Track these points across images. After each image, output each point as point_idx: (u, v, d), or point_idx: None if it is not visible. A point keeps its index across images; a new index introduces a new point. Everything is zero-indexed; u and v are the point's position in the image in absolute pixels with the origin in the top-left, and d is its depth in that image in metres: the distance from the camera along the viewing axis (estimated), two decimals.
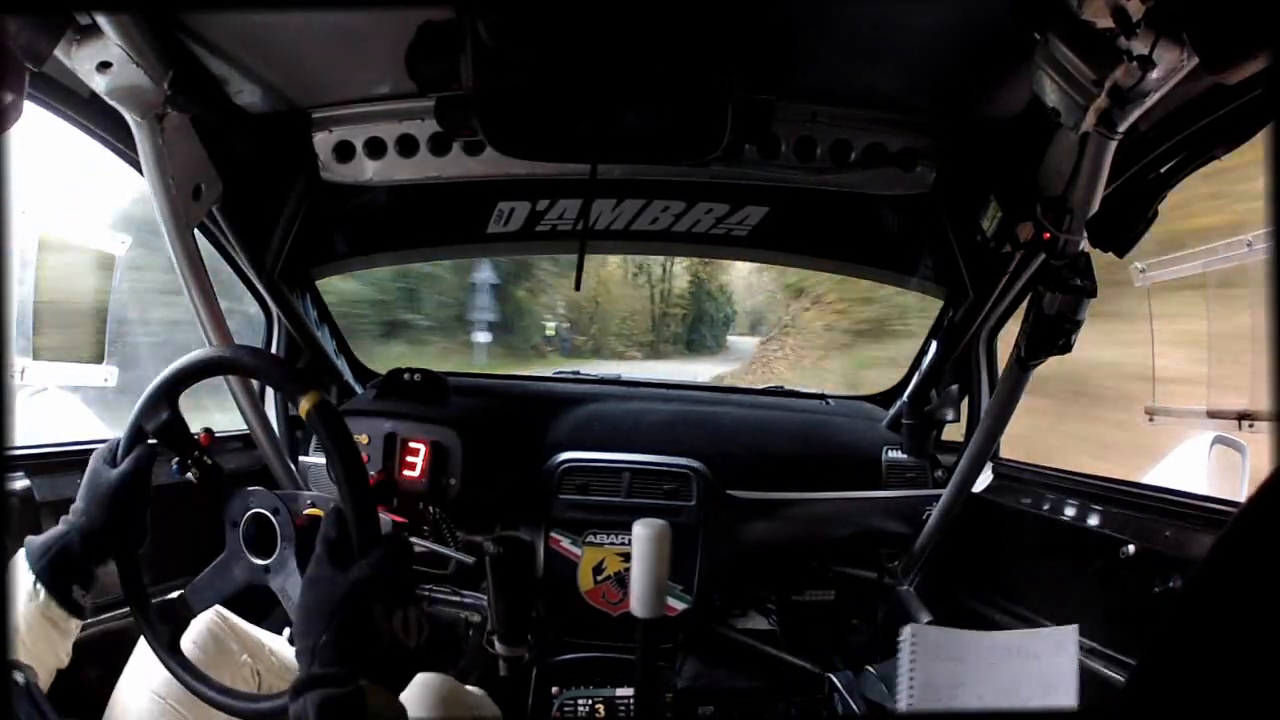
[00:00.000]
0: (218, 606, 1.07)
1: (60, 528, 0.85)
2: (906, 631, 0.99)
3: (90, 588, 0.85)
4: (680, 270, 9.75)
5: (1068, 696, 0.96)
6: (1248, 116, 0.93)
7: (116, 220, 1.56)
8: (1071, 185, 1.08)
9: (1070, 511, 1.31)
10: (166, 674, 0.89)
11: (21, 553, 0.83)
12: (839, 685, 1.47)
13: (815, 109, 1.31)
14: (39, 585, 0.81)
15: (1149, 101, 0.92)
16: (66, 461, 1.13)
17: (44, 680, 0.80)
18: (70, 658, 0.83)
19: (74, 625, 0.84)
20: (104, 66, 1.06)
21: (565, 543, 1.48)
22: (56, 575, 0.82)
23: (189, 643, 1.00)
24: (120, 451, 0.88)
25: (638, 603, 0.90)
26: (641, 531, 0.89)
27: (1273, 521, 0.33)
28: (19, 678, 0.73)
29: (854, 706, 1.43)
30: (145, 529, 0.89)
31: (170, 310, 1.50)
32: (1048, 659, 0.98)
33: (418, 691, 1.05)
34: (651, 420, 1.68)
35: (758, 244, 1.63)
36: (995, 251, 1.31)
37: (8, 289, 1.13)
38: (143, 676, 0.96)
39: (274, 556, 0.90)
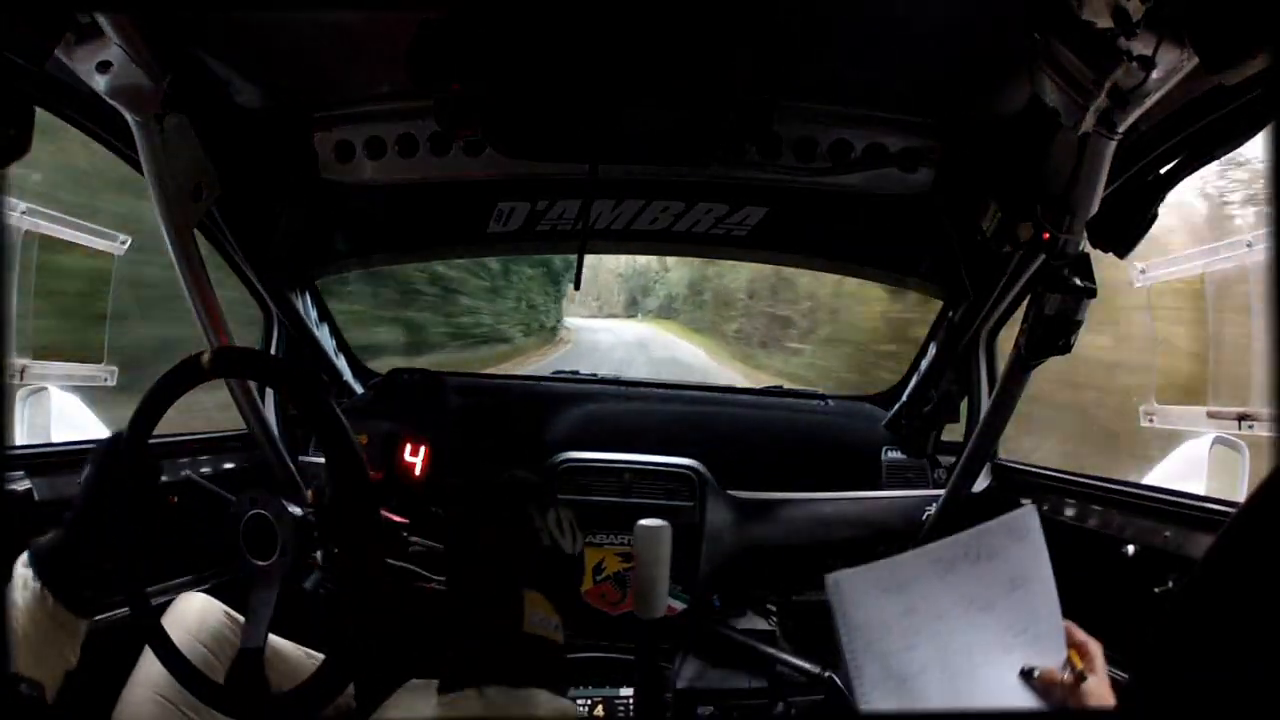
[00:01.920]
0: (225, 609, 1.07)
1: (63, 529, 0.84)
2: (829, 581, 0.86)
3: (98, 587, 0.85)
4: None
5: (1042, 583, 0.86)
6: (1248, 116, 0.93)
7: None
8: (1071, 185, 1.08)
9: (1069, 512, 1.31)
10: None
11: (24, 556, 0.82)
12: (839, 685, 1.47)
13: (815, 109, 1.31)
14: (46, 588, 0.80)
15: (1149, 102, 0.92)
16: (66, 461, 1.13)
17: (54, 684, 0.80)
18: (78, 659, 0.83)
19: (82, 626, 0.83)
20: (104, 66, 1.05)
21: None
22: (63, 576, 0.82)
23: (200, 646, 1.00)
24: (125, 449, 0.88)
25: (640, 603, 0.90)
26: (644, 532, 0.89)
27: (1272, 521, 0.33)
28: (24, 689, 0.73)
29: (854, 706, 1.43)
30: (148, 534, 0.89)
31: None
32: (1005, 552, 0.86)
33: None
34: (651, 420, 1.68)
35: (758, 244, 1.63)
36: (995, 251, 1.31)
37: (8, 289, 1.13)
38: (151, 678, 0.96)
39: (275, 556, 0.90)
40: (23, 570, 0.81)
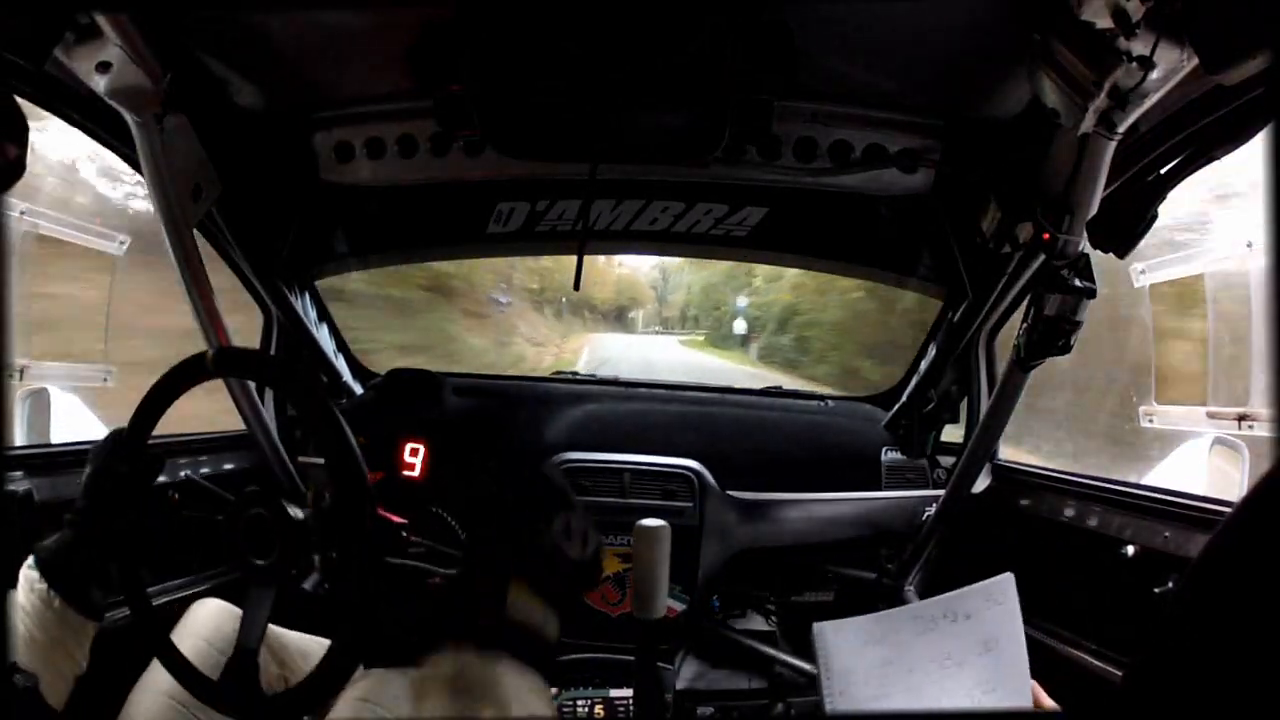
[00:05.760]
0: (239, 613, 1.06)
1: (67, 530, 0.84)
2: (815, 629, 0.93)
3: (104, 587, 0.84)
4: None
5: (1013, 646, 0.90)
6: (1248, 117, 0.93)
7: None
8: (1071, 185, 1.08)
9: (1069, 512, 1.31)
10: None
11: (29, 560, 0.82)
12: None
13: (815, 109, 1.31)
14: (53, 591, 0.80)
15: (1149, 102, 0.92)
16: (66, 461, 1.13)
17: (65, 687, 0.79)
18: (89, 662, 0.83)
19: (91, 628, 0.83)
20: (104, 66, 1.05)
21: None
22: (69, 578, 0.81)
23: (215, 652, 0.99)
24: (125, 444, 0.87)
25: (639, 604, 0.90)
26: (643, 532, 0.89)
27: (1270, 520, 0.33)
28: (19, 680, 0.73)
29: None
30: (150, 531, 0.89)
31: None
32: (981, 615, 0.91)
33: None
34: (651, 421, 1.68)
35: (757, 244, 1.63)
36: (995, 252, 1.31)
37: (7, 289, 1.13)
38: (160, 680, 0.95)
39: (274, 556, 0.90)
40: (29, 573, 0.81)
